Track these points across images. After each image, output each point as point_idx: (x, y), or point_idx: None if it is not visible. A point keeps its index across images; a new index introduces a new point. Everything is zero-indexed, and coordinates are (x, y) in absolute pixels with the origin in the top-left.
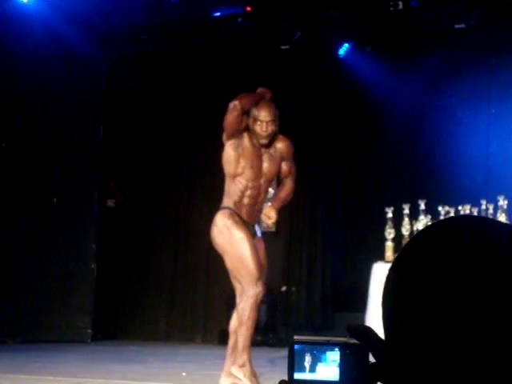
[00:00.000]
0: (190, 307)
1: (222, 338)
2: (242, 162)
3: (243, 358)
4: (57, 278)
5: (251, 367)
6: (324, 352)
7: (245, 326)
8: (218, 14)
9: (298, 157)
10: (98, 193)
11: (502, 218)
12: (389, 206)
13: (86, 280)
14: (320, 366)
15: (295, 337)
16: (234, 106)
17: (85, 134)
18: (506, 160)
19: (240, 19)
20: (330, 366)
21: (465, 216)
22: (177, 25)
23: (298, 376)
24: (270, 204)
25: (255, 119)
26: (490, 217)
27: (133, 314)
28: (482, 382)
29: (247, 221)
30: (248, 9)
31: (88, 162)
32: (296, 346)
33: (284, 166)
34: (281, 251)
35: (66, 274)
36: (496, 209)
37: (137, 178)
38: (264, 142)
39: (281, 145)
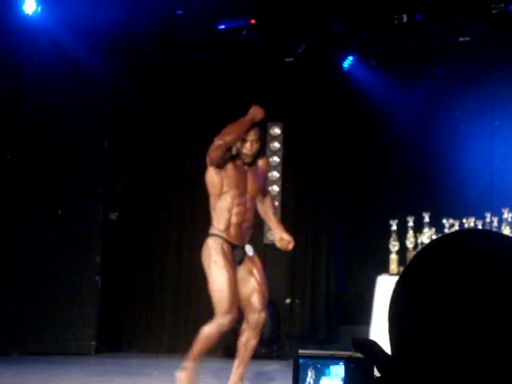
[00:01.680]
0: (193, 320)
1: (227, 351)
2: (226, 182)
3: (188, 363)
4: (61, 290)
5: (192, 375)
6: (328, 366)
7: (200, 340)
8: (222, 26)
9: (303, 169)
10: (103, 205)
11: (506, 230)
12: (393, 218)
13: (90, 292)
14: (324, 381)
15: (300, 351)
16: (219, 145)
17: (89, 147)
18: (510, 173)
19: (245, 32)
20: (334, 380)
21: (471, 230)
22: (181, 37)
23: None
24: (274, 229)
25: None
26: (495, 229)
27: (137, 327)
28: None
29: (236, 244)
30: (252, 21)
31: (92, 174)
32: (300, 360)
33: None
34: (284, 263)
35: (70, 286)
36: (500, 222)
37: (141, 189)
38: (248, 160)
39: (262, 163)
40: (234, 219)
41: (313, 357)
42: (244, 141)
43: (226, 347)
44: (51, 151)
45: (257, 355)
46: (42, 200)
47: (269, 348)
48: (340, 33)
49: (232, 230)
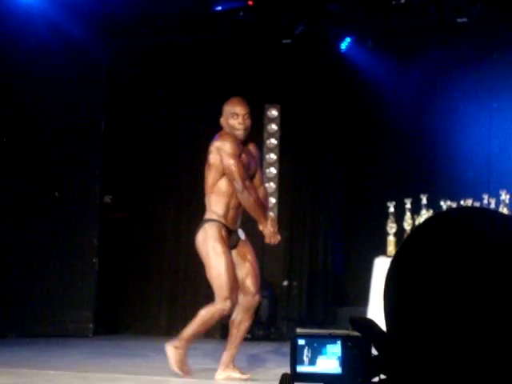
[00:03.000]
0: (191, 301)
1: (224, 332)
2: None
3: (181, 341)
4: (58, 272)
5: (183, 355)
6: (324, 345)
7: (197, 321)
8: (219, 8)
9: (299, 151)
10: (100, 187)
11: (504, 212)
12: (391, 200)
13: (87, 274)
14: (320, 359)
15: (297, 330)
16: (243, 191)
17: (86, 128)
18: (508, 154)
19: (241, 13)
20: (330, 359)
21: (464, 207)
22: (178, 19)
23: (300, 369)
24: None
25: (232, 114)
26: None
27: (134, 309)
28: (485, 373)
29: (232, 229)
30: (250, 3)
31: (89, 155)
32: (298, 339)
33: (257, 175)
34: (282, 245)
35: (68, 269)
36: (498, 203)
37: (138, 171)
38: (241, 136)
39: (253, 148)
40: (233, 201)
41: (310, 336)
42: (236, 115)
43: (223, 328)
44: (48, 133)
45: (254, 337)
46: (39, 182)
47: (266, 330)
48: (337, 14)
49: (230, 213)
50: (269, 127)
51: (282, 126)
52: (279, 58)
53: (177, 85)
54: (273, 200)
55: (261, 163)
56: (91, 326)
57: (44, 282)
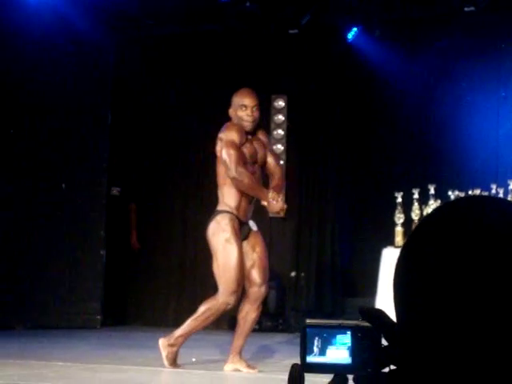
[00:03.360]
0: (199, 292)
1: (232, 323)
2: (244, 149)
3: (178, 339)
4: (66, 264)
5: (176, 352)
6: (334, 335)
7: (197, 319)
8: None
9: (307, 142)
10: (107, 179)
11: None
12: (398, 190)
13: (95, 266)
14: (330, 350)
15: (307, 320)
16: (239, 180)
17: (93, 120)
18: None
19: (248, 3)
20: (340, 349)
21: (472, 196)
22: (184, 10)
23: (310, 359)
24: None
25: (240, 106)
26: None
27: (142, 300)
28: (495, 364)
29: (243, 220)
30: None
31: (96, 148)
32: (308, 330)
33: (269, 159)
34: (290, 237)
35: (75, 260)
36: (506, 193)
37: (145, 163)
38: (250, 127)
39: (262, 136)
40: (245, 193)
41: (320, 326)
42: (244, 107)
43: (230, 319)
44: (55, 126)
45: (263, 328)
46: (46, 174)
47: (274, 321)
48: (344, 4)
49: (242, 205)
50: (275, 118)
51: (288, 117)
52: (286, 49)
53: (183, 76)
54: None
55: None
56: (99, 317)
57: (52, 274)
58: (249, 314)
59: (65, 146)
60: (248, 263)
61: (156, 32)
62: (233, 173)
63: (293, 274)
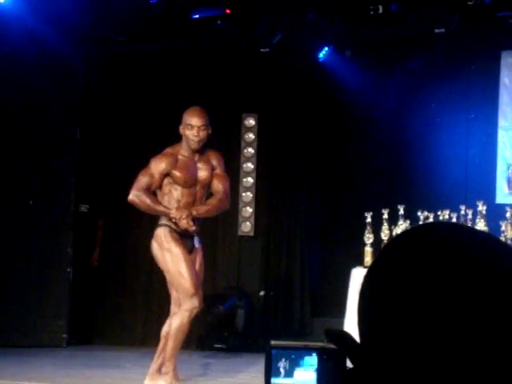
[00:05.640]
0: (166, 312)
1: (200, 343)
2: (175, 174)
3: (168, 367)
4: (32, 281)
5: (175, 373)
6: (302, 357)
7: (174, 336)
8: (196, 15)
9: (276, 160)
10: (75, 196)
11: (481, 223)
12: (368, 210)
13: (61, 284)
14: (298, 371)
15: (272, 342)
16: (132, 200)
17: (61, 136)
18: (485, 165)
19: (219, 21)
20: (308, 370)
21: (439, 222)
22: (155, 26)
23: (275, 381)
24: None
25: (187, 125)
26: (469, 222)
27: (109, 319)
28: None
29: (183, 234)
30: (227, 11)
31: (64, 164)
32: (273, 351)
33: (214, 181)
34: (259, 256)
35: (42, 278)
36: (475, 214)
37: (113, 180)
38: (195, 146)
39: (213, 158)
40: (180, 204)
41: (285, 348)
42: (191, 126)
43: (198, 338)
44: (22, 140)
45: (230, 348)
46: (13, 190)
47: (242, 341)
48: (315, 23)
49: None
50: (246, 136)
51: (259, 135)
52: (257, 67)
53: (153, 93)
54: (249, 209)
55: (237, 171)
56: (65, 335)
57: (18, 292)
58: (173, 320)
59: (32, 161)
60: None
61: (126, 49)
62: (130, 196)
63: (261, 293)
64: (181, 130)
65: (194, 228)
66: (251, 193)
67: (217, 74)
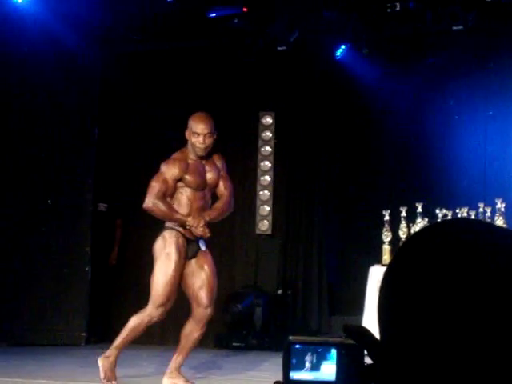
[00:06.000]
0: (183, 310)
1: (218, 341)
2: (186, 176)
3: (112, 351)
4: (51, 280)
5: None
6: (319, 352)
7: (126, 333)
8: (213, 14)
9: (294, 158)
10: (93, 195)
11: (499, 221)
12: (386, 208)
13: (80, 283)
14: (325, 365)
15: (291, 337)
16: (149, 208)
17: (80, 136)
18: (503, 162)
19: (236, 20)
20: (324, 366)
21: (459, 219)
22: (172, 26)
23: (293, 376)
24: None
25: (193, 132)
26: (488, 220)
27: (127, 318)
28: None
29: (191, 238)
30: (244, 9)
31: (83, 163)
32: (298, 346)
33: (220, 183)
34: (277, 254)
35: (60, 277)
36: (494, 212)
37: (132, 179)
38: (201, 153)
39: (217, 160)
40: (190, 211)
41: (304, 343)
42: (197, 134)
43: (216, 338)
44: (41, 140)
45: (248, 346)
46: (32, 190)
47: (260, 339)
48: (332, 21)
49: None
50: (263, 134)
51: (276, 134)
52: (274, 65)
53: (170, 92)
54: (267, 208)
55: (255, 170)
56: (84, 334)
57: (36, 291)
58: (192, 333)
59: (51, 161)
60: (196, 283)
61: (143, 48)
62: (146, 203)
63: (279, 291)
64: (187, 135)
65: (209, 235)
66: (268, 191)
67: (234, 73)
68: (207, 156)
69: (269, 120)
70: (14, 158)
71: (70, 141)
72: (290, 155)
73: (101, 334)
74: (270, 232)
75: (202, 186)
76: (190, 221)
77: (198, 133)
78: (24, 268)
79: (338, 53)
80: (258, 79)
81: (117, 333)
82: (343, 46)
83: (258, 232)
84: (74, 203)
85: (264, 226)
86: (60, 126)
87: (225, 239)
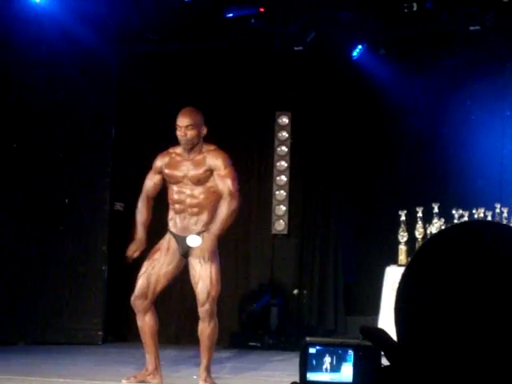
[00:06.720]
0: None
1: (232, 340)
2: (167, 173)
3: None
4: (67, 279)
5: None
6: (336, 354)
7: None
8: (230, 14)
9: (310, 158)
10: (110, 195)
11: None
12: (402, 209)
13: (96, 282)
14: (345, 366)
15: (307, 338)
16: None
17: (96, 135)
18: None
19: (253, 20)
20: (341, 367)
21: (477, 221)
22: (189, 26)
23: (310, 377)
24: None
25: (176, 125)
26: (504, 221)
27: None
28: None
29: (181, 235)
30: (261, 10)
31: (99, 163)
32: (317, 347)
33: (218, 183)
34: (293, 254)
35: (77, 276)
36: (510, 212)
37: None
38: (185, 146)
39: (211, 158)
40: (176, 207)
41: (321, 344)
42: (179, 127)
43: (231, 336)
44: (58, 140)
45: (264, 346)
46: (49, 189)
47: (276, 339)
48: (349, 21)
49: (177, 219)
50: (279, 134)
51: (292, 134)
52: (290, 65)
53: (187, 92)
54: (283, 208)
55: (271, 170)
56: (100, 333)
57: (53, 290)
58: (202, 332)
59: (68, 160)
60: (193, 282)
61: (160, 47)
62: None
63: (295, 291)
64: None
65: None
66: (285, 191)
67: (250, 73)
68: (199, 152)
69: (285, 120)
70: (32, 157)
71: (87, 140)
72: (306, 155)
73: (117, 333)
74: (286, 232)
75: (176, 180)
76: (131, 245)
77: (179, 125)
78: (41, 267)
79: (355, 53)
80: (275, 79)
81: (133, 332)
82: (360, 46)
83: (273, 232)
84: (91, 202)
85: (280, 225)
86: (77, 125)
87: (241, 239)
